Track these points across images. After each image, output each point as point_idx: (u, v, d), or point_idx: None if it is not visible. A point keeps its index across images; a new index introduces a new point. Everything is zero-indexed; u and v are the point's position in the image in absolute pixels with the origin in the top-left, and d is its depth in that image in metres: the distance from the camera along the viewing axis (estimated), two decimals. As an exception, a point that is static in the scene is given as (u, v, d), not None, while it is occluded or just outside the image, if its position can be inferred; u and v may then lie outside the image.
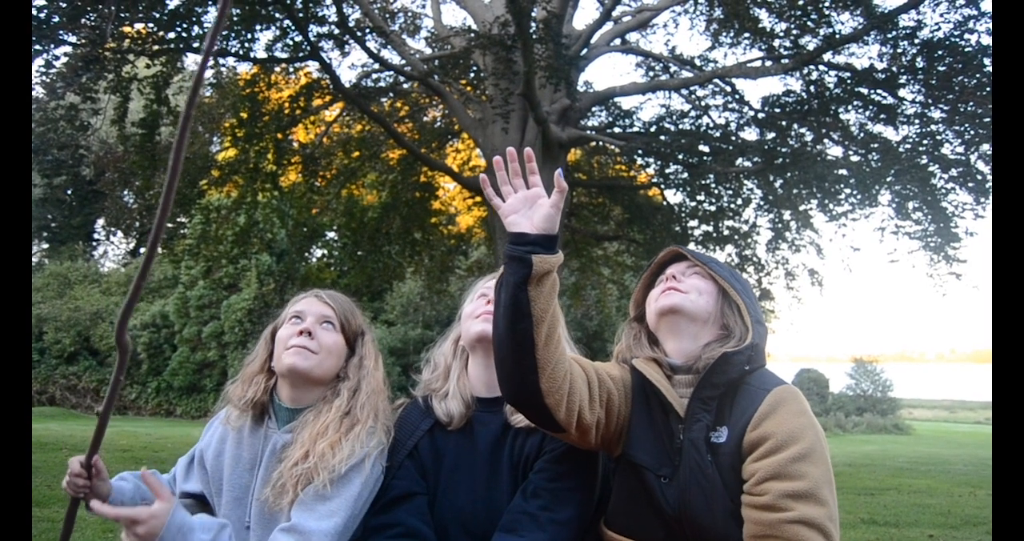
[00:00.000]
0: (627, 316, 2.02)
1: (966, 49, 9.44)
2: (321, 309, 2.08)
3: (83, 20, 8.44)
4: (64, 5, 8.11)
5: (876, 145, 10.49)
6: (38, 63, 8.62)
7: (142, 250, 28.22)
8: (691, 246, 12.12)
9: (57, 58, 8.90)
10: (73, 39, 8.77)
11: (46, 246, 28.85)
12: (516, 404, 1.68)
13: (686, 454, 1.65)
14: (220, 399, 2.13)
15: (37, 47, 8.14)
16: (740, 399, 1.69)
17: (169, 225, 21.59)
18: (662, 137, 11.66)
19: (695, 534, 1.61)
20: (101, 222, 29.16)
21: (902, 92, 10.45)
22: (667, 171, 12.58)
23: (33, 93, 9.18)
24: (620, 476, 1.78)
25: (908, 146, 10.33)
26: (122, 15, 8.62)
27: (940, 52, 9.62)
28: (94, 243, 30.80)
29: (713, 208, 12.67)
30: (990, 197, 10.06)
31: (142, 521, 1.73)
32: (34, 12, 7.78)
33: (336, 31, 10.38)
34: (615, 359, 1.95)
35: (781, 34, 10.95)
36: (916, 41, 9.87)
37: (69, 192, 28.41)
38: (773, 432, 1.59)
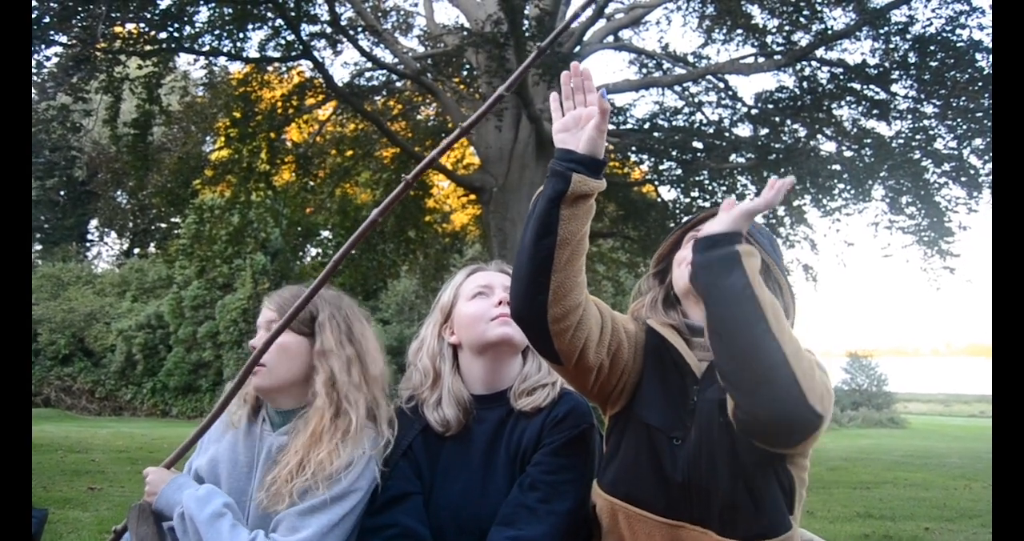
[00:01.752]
0: (625, 308, 1.97)
1: (958, 44, 9.47)
2: (266, 316, 2.01)
3: (74, 20, 8.41)
4: (55, 5, 8.08)
5: (869, 140, 10.52)
6: (29, 64, 8.59)
7: (136, 251, 28.28)
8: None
9: (48, 59, 8.87)
10: (64, 39, 8.74)
11: (39, 247, 28.76)
12: (520, 321, 1.64)
13: (699, 415, 1.62)
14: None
15: (28, 48, 8.10)
16: None
17: (162, 225, 21.59)
18: (656, 134, 11.68)
19: (701, 500, 1.58)
20: (95, 223, 29.10)
21: (895, 87, 10.48)
22: (661, 168, 12.60)
23: (24, 94, 9.13)
24: (625, 437, 1.74)
25: (901, 141, 10.36)
26: (113, 15, 8.59)
27: (932, 47, 9.65)
28: (88, 244, 30.73)
29: (707, 204, 12.67)
30: (983, 191, 10.12)
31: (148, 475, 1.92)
32: (25, 12, 7.74)
33: (328, 30, 10.37)
34: (630, 314, 1.90)
35: (773, 30, 10.97)
36: (908, 36, 9.90)
37: (62, 193, 28.32)
38: None
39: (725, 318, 1.42)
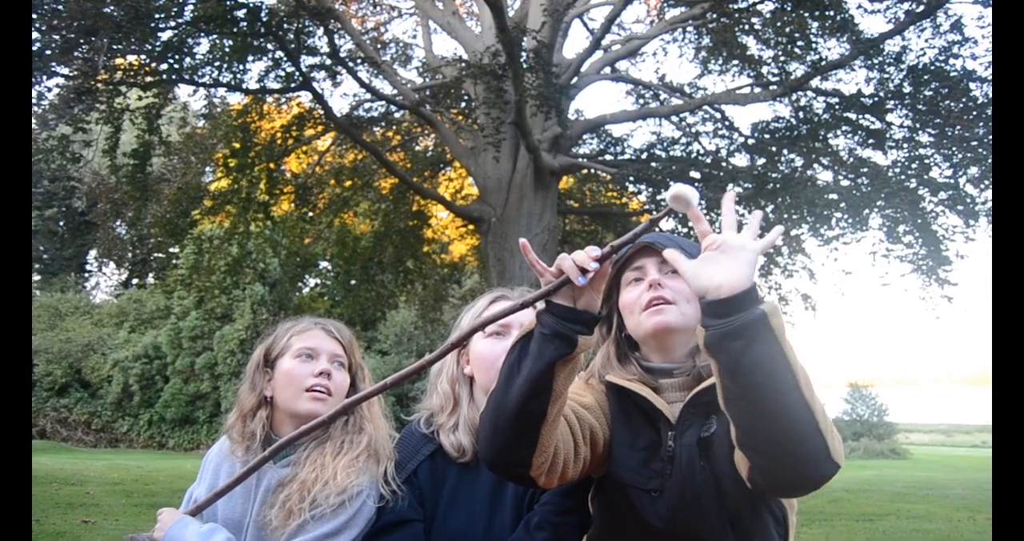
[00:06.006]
0: None
1: (951, 74, 9.57)
2: (333, 347, 2.05)
3: (76, 52, 8.48)
4: (57, 38, 8.15)
5: (866, 169, 10.58)
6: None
7: (134, 281, 28.25)
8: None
9: (50, 90, 8.93)
10: (66, 71, 8.81)
11: (38, 278, 28.75)
12: (495, 470, 1.56)
13: (679, 461, 1.58)
14: (221, 432, 2.10)
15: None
16: None
17: (161, 255, 21.66)
18: (653, 164, 11.72)
19: None
20: (93, 253, 29.10)
21: (890, 117, 10.56)
22: (658, 198, 12.64)
23: (25, 125, 9.17)
24: (606, 497, 1.71)
25: (897, 170, 10.41)
26: (114, 47, 8.66)
27: (926, 77, 9.75)
28: (86, 274, 30.71)
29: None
30: (979, 219, 10.14)
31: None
32: (27, 45, 7.81)
33: (328, 62, 10.45)
34: (585, 381, 1.82)
35: (769, 61, 11.08)
36: (902, 67, 10.00)
37: (61, 224, 28.37)
38: None
39: (755, 388, 1.30)
